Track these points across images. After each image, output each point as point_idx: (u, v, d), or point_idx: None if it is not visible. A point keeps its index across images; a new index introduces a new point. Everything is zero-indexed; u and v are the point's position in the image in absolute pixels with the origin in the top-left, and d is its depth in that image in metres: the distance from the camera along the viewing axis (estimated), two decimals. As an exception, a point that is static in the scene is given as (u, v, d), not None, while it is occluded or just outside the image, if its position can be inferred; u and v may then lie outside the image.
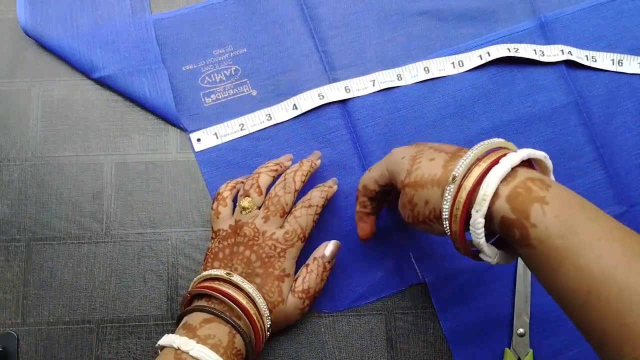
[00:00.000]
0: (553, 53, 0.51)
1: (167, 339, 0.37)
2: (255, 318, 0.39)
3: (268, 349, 0.45)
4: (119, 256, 0.47)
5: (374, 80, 0.50)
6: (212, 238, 0.43)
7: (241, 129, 0.49)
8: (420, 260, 0.47)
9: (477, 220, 0.30)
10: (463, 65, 0.50)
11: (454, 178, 0.32)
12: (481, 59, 0.50)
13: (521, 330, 0.46)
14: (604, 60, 0.51)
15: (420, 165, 0.35)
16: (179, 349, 0.36)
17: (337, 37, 0.51)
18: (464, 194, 0.31)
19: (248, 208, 0.42)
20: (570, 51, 0.51)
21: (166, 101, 0.48)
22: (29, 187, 0.48)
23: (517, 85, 0.51)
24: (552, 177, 0.34)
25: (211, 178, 0.48)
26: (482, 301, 0.47)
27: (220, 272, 0.40)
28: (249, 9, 0.52)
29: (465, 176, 0.31)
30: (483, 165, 0.31)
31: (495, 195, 0.30)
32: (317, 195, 0.43)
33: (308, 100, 0.49)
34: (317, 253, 0.44)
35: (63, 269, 0.46)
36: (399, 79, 0.50)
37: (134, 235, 0.47)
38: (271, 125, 0.49)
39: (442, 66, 0.50)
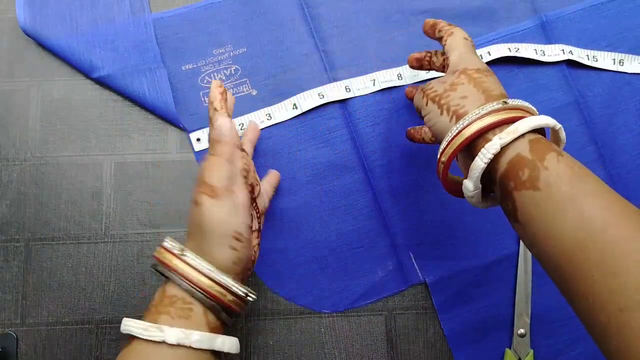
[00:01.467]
0: (554, 53, 0.50)
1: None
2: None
3: (268, 349, 0.45)
4: (119, 256, 0.47)
5: (374, 80, 0.50)
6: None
7: (241, 129, 0.49)
8: (421, 260, 0.47)
9: (489, 153, 0.32)
10: None
11: (457, 130, 0.34)
12: (482, 58, 0.50)
13: (522, 331, 0.46)
14: (605, 60, 0.51)
15: (452, 95, 0.36)
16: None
17: (338, 36, 0.51)
18: (470, 130, 0.33)
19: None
20: (571, 51, 0.51)
21: (166, 101, 0.48)
22: (28, 187, 0.48)
23: (518, 84, 0.50)
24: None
25: (211, 178, 0.48)
26: (482, 301, 0.46)
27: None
28: (248, 8, 0.51)
29: (476, 120, 0.33)
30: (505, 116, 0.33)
31: (520, 137, 0.32)
32: (215, 94, 0.38)
33: (308, 99, 0.49)
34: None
35: (62, 269, 0.46)
36: (399, 78, 0.50)
37: (134, 236, 0.47)
38: (271, 125, 0.49)
39: None
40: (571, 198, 0.29)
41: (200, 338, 0.33)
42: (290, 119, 0.49)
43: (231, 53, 0.51)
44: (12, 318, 0.45)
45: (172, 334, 0.32)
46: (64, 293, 0.46)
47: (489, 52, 0.50)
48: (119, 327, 0.45)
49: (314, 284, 0.47)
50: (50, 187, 0.48)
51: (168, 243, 0.35)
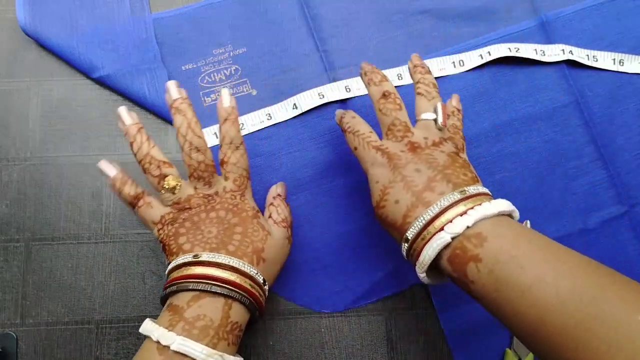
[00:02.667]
0: (554, 53, 0.51)
1: (146, 327, 0.34)
2: (241, 283, 0.36)
3: (268, 349, 0.45)
4: (118, 256, 0.47)
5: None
6: (157, 230, 0.39)
7: (241, 129, 0.49)
8: (421, 260, 0.47)
9: (420, 275, 0.36)
10: (464, 64, 0.50)
11: (406, 239, 0.36)
12: (482, 58, 0.50)
13: (522, 331, 0.46)
14: (605, 60, 0.51)
15: (387, 203, 0.37)
16: (158, 342, 0.33)
17: (338, 36, 0.51)
18: (414, 254, 0.36)
19: (178, 184, 0.39)
20: (571, 51, 0.51)
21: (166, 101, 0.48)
22: (28, 187, 0.48)
23: (518, 84, 0.51)
24: (516, 213, 0.36)
25: (211, 178, 0.48)
26: (482, 301, 0.46)
27: (186, 258, 0.36)
28: (248, 8, 0.51)
29: (415, 239, 0.35)
30: (427, 236, 0.34)
31: (439, 256, 0.34)
32: (234, 132, 0.39)
33: (308, 99, 0.49)
34: (272, 193, 0.44)
35: (62, 269, 0.46)
36: (399, 78, 0.50)
37: (133, 235, 0.47)
38: (271, 125, 0.49)
39: (443, 65, 0.50)
40: (502, 300, 0.31)
41: None
42: (290, 118, 0.49)
43: (231, 53, 0.51)
44: (12, 318, 0.45)
45: None
46: (64, 293, 0.46)
47: (489, 52, 0.50)
48: (119, 327, 0.45)
49: (314, 284, 0.47)
50: (50, 187, 0.48)
51: (182, 258, 0.37)
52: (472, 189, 0.35)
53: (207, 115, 0.49)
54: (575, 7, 0.52)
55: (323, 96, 0.49)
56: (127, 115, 0.39)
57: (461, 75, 0.50)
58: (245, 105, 0.49)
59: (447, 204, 0.34)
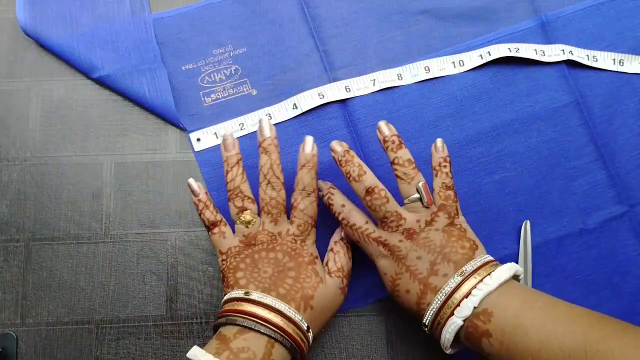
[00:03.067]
0: (554, 53, 0.51)
1: (194, 353, 0.36)
2: (286, 328, 0.37)
3: (268, 349, 0.45)
4: (119, 256, 0.47)
5: (374, 80, 0.50)
6: (221, 260, 0.42)
7: (241, 129, 0.49)
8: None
9: (447, 352, 0.38)
10: (464, 64, 0.50)
11: (425, 325, 0.39)
12: (482, 58, 0.50)
13: (521, 331, 0.46)
14: (605, 60, 0.51)
15: (399, 294, 0.40)
16: None
17: (338, 36, 0.51)
18: (435, 336, 0.39)
19: (253, 219, 0.42)
20: (571, 51, 0.51)
21: (166, 101, 0.48)
22: (28, 187, 0.48)
23: (518, 84, 0.51)
24: (520, 271, 0.39)
25: (211, 178, 0.48)
26: (482, 301, 0.46)
27: (238, 293, 0.39)
28: (248, 8, 0.51)
29: (432, 325, 0.38)
30: (442, 321, 0.37)
31: (457, 335, 0.37)
32: (308, 179, 0.42)
33: (308, 99, 0.49)
34: (335, 237, 0.44)
35: (62, 269, 0.46)
36: (399, 78, 0.50)
37: (134, 236, 0.47)
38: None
39: (443, 65, 0.50)
40: None
41: None
42: (290, 118, 0.49)
43: (231, 53, 0.51)
44: (12, 318, 0.45)
45: None
46: (64, 293, 0.46)
47: (489, 52, 0.50)
48: (119, 327, 0.45)
49: (314, 284, 0.47)
50: (51, 187, 0.48)
51: (234, 293, 0.39)
52: (470, 267, 0.38)
53: (206, 116, 0.49)
54: (575, 7, 0.52)
55: (323, 96, 0.49)
56: (231, 143, 0.42)
57: (461, 75, 0.50)
58: (246, 105, 0.49)
59: (450, 290, 0.37)
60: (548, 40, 0.51)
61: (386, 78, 0.50)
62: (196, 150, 0.49)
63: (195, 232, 0.47)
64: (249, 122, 0.49)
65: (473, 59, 0.50)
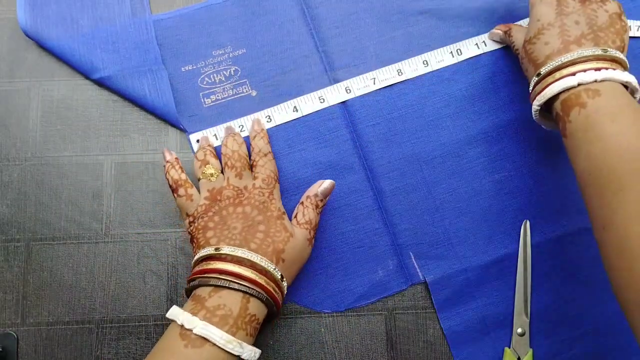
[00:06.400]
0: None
1: (173, 312, 0.37)
2: (259, 280, 0.38)
3: (268, 349, 0.45)
4: (119, 256, 0.47)
5: (374, 79, 0.50)
6: (189, 222, 0.43)
7: (241, 130, 0.49)
8: (421, 260, 0.47)
9: (535, 106, 0.42)
10: (461, 53, 0.51)
11: (539, 74, 0.42)
12: (478, 47, 0.51)
13: (521, 330, 0.46)
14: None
15: (538, 42, 0.43)
16: (182, 325, 0.36)
17: (337, 37, 0.51)
18: (538, 89, 0.42)
19: (216, 173, 0.43)
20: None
21: (166, 102, 0.48)
22: (28, 187, 0.48)
23: (518, 85, 0.51)
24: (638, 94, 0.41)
25: (211, 178, 0.48)
26: (482, 301, 0.46)
27: (209, 251, 0.39)
28: (248, 9, 0.52)
29: (546, 75, 0.41)
30: (557, 76, 0.40)
31: (556, 96, 0.40)
32: (262, 144, 0.45)
33: (309, 103, 0.49)
34: (310, 192, 0.44)
35: (63, 269, 0.46)
36: (400, 74, 0.50)
37: (134, 235, 0.47)
38: (271, 126, 0.49)
39: (441, 57, 0.50)
40: (583, 141, 0.38)
41: (256, 354, 0.38)
42: (291, 120, 0.49)
43: (231, 54, 0.51)
44: (13, 318, 0.46)
45: (248, 351, 0.37)
46: (65, 293, 0.46)
47: (484, 42, 0.51)
48: (119, 327, 0.45)
49: (314, 284, 0.47)
50: (51, 187, 0.48)
51: (207, 250, 0.40)
52: (613, 52, 0.40)
53: (207, 117, 0.49)
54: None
55: (324, 100, 0.49)
56: (205, 140, 0.47)
57: (461, 75, 0.50)
58: (245, 106, 0.50)
59: (588, 54, 0.40)
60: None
61: (386, 75, 0.50)
62: (196, 151, 0.49)
63: (196, 232, 0.47)
64: (249, 124, 0.49)
65: (470, 47, 0.51)
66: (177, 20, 0.51)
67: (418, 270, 0.47)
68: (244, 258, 0.38)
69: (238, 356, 0.37)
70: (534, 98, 0.42)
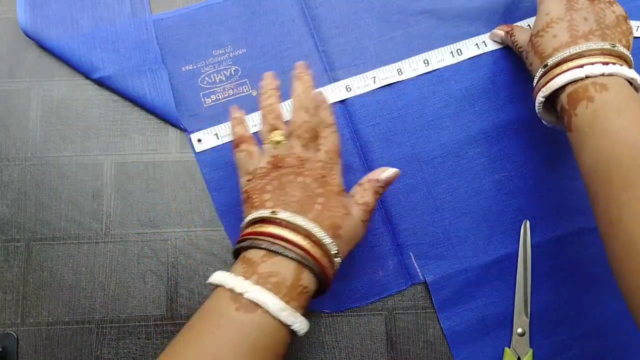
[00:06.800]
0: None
1: (219, 277, 0.35)
2: (314, 252, 0.36)
3: (268, 349, 0.45)
4: (119, 256, 0.47)
5: (374, 78, 0.50)
6: (246, 180, 0.41)
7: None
8: (421, 260, 0.47)
9: (540, 98, 0.42)
10: (461, 53, 0.51)
11: (545, 65, 0.42)
12: (478, 47, 0.51)
13: (521, 330, 0.46)
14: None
15: (546, 35, 0.43)
16: (232, 289, 0.34)
17: (337, 37, 0.51)
18: (543, 81, 0.42)
19: (282, 141, 0.42)
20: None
21: (166, 102, 0.48)
22: (28, 187, 0.48)
23: (518, 85, 0.51)
24: None
25: (211, 178, 0.48)
26: (482, 301, 0.46)
27: (264, 213, 0.37)
28: (248, 9, 0.52)
29: (553, 67, 0.41)
30: (565, 68, 0.40)
31: (562, 89, 0.40)
32: (326, 114, 0.43)
33: (309, 101, 0.49)
34: (372, 175, 0.42)
35: (63, 269, 0.46)
36: (399, 73, 0.50)
37: (134, 235, 0.47)
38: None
39: (441, 56, 0.50)
40: (590, 136, 0.38)
41: (306, 326, 0.36)
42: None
43: (231, 54, 0.51)
44: (13, 318, 0.46)
45: (300, 322, 0.35)
46: (65, 293, 0.46)
47: (484, 42, 0.51)
48: (119, 327, 0.46)
49: (314, 284, 0.47)
50: (51, 187, 0.48)
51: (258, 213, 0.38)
52: (620, 49, 0.40)
53: (207, 116, 0.49)
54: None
55: (324, 98, 0.49)
56: (271, 78, 0.46)
57: (461, 75, 0.50)
58: (246, 106, 0.49)
59: (596, 47, 0.40)
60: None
61: (386, 74, 0.50)
62: (197, 151, 0.49)
63: (196, 232, 0.47)
64: (250, 123, 0.49)
65: (470, 47, 0.51)
66: (177, 20, 0.51)
67: (418, 270, 0.47)
68: (301, 226, 0.36)
69: (288, 327, 0.34)
70: (539, 90, 0.42)
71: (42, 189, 0.48)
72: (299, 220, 0.36)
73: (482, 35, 0.51)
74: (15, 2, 0.49)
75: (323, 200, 0.39)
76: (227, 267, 0.46)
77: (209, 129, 0.49)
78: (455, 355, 0.46)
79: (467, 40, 0.51)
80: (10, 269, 0.46)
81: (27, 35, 0.49)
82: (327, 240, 0.37)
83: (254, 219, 0.38)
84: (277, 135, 0.42)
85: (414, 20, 0.52)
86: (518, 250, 0.47)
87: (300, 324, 0.35)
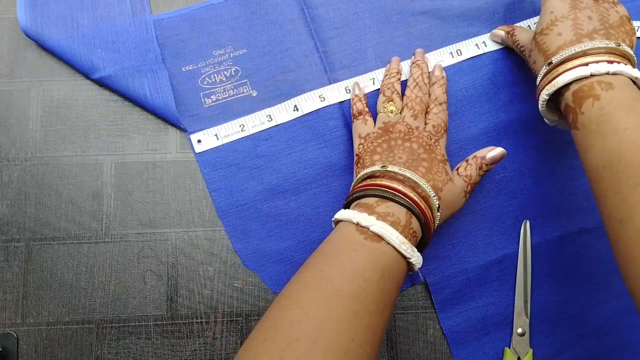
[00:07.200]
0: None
1: (345, 214, 0.39)
2: (420, 203, 0.39)
3: (268, 349, 0.45)
4: (119, 256, 0.47)
5: (373, 79, 0.50)
6: (359, 144, 0.45)
7: (242, 130, 0.49)
8: (421, 260, 0.47)
9: (544, 96, 0.42)
10: (461, 54, 0.51)
11: (550, 63, 0.42)
12: (478, 48, 0.51)
13: (521, 330, 0.46)
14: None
15: (550, 33, 0.43)
16: (358, 224, 0.37)
17: (337, 37, 0.51)
18: (547, 79, 0.42)
19: (394, 111, 0.46)
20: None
21: (167, 102, 0.48)
22: (28, 187, 0.48)
23: (518, 85, 0.51)
24: None
25: (211, 178, 0.48)
26: (482, 301, 0.46)
27: (376, 168, 0.41)
28: (248, 9, 0.52)
29: (558, 65, 0.41)
30: (569, 65, 0.40)
31: (567, 87, 0.40)
32: (440, 92, 0.47)
33: (309, 101, 0.49)
34: (478, 153, 0.45)
35: (63, 269, 0.46)
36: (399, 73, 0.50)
37: (134, 235, 0.47)
38: (272, 126, 0.49)
39: (441, 57, 0.51)
40: (597, 133, 0.38)
41: (421, 261, 0.39)
42: (291, 119, 0.49)
43: (231, 54, 0.51)
44: (13, 318, 0.46)
45: (417, 256, 0.38)
46: (65, 293, 0.46)
47: (484, 42, 0.51)
48: (119, 326, 0.46)
49: (314, 284, 0.47)
50: (51, 187, 0.48)
51: (372, 169, 0.42)
52: (625, 48, 0.40)
53: (207, 117, 0.49)
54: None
55: (324, 99, 0.49)
56: (396, 63, 0.50)
57: (460, 76, 0.50)
58: (246, 106, 0.50)
59: (601, 46, 0.40)
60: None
61: (386, 76, 0.50)
62: (197, 151, 0.49)
63: (196, 232, 0.47)
64: (250, 124, 0.49)
65: (470, 48, 0.51)
66: (178, 20, 0.51)
67: (418, 271, 0.47)
68: (409, 178, 0.40)
69: (406, 260, 0.38)
70: (543, 87, 0.42)
71: (42, 189, 0.48)
72: (408, 173, 0.40)
73: (482, 36, 0.51)
74: (15, 2, 0.49)
75: (427, 165, 0.42)
76: (227, 267, 0.47)
77: (209, 130, 0.49)
78: (455, 355, 0.46)
79: (467, 41, 0.51)
80: (10, 269, 0.46)
81: (27, 35, 0.49)
82: (431, 193, 0.40)
83: (365, 174, 0.42)
84: (392, 105, 0.46)
85: (414, 21, 0.52)
86: (518, 251, 0.47)
87: (417, 258, 0.38)
